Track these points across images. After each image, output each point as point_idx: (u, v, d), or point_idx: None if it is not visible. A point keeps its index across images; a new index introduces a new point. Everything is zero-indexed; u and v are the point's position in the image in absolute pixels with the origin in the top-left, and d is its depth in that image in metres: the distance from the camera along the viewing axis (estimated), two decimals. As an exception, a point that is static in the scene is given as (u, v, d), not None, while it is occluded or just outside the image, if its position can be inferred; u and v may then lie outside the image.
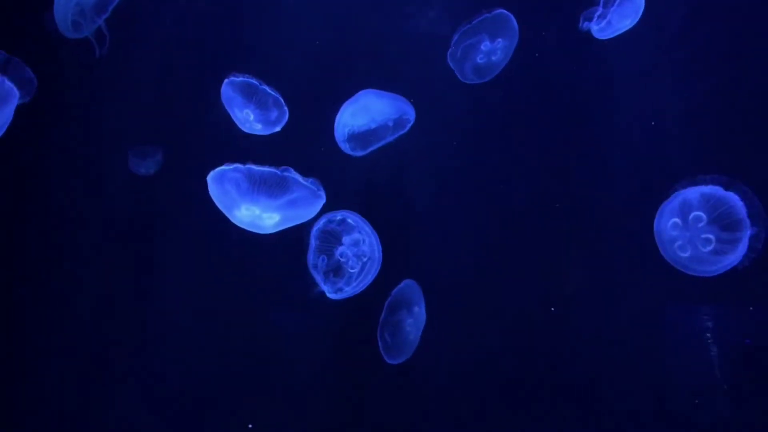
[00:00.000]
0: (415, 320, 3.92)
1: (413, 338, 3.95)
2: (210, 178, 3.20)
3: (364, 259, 3.63)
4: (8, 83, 2.82)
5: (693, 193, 3.33)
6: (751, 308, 3.80)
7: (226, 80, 3.64)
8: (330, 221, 3.64)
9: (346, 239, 3.63)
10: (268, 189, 3.16)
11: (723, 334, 3.82)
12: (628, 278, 3.89)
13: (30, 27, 3.63)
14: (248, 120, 3.72)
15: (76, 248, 4.04)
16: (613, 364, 3.90)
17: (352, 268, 3.66)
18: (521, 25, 3.87)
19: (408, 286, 3.88)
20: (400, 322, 3.89)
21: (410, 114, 3.86)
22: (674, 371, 3.84)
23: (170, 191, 4.00)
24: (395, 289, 3.83)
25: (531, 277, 4.02)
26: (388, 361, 3.88)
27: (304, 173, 3.83)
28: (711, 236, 3.29)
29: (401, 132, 3.87)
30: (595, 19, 3.92)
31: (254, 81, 3.63)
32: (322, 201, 3.32)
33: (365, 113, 3.83)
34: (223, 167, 3.14)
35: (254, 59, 3.93)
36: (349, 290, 3.70)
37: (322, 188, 3.24)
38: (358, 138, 3.86)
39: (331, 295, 3.64)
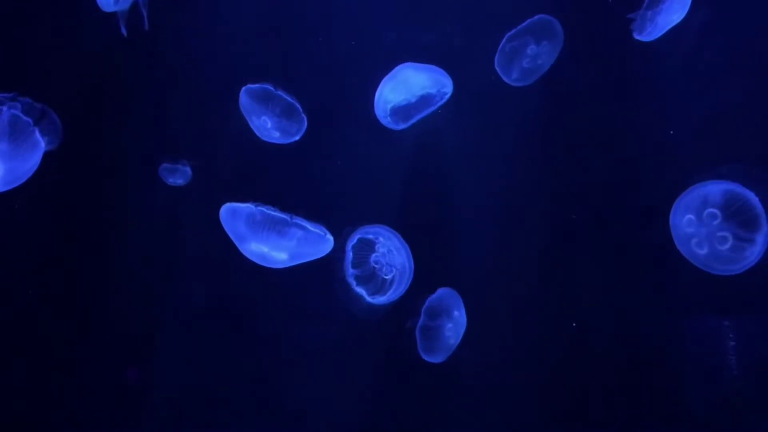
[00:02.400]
0: (455, 325, 3.92)
1: (453, 343, 3.94)
2: (223, 210, 3.36)
3: (396, 269, 3.69)
4: (38, 135, 2.93)
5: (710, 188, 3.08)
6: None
7: (243, 88, 3.76)
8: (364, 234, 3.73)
9: (379, 248, 3.72)
10: (277, 231, 3.29)
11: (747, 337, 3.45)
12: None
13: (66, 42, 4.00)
14: (266, 127, 3.81)
15: (102, 259, 4.19)
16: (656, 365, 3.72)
17: (386, 275, 3.73)
18: (565, 27, 3.81)
19: (447, 294, 3.89)
20: (439, 327, 3.91)
21: (448, 86, 3.85)
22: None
23: (192, 203, 4.11)
24: (433, 296, 3.83)
25: (574, 280, 3.88)
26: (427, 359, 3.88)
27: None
28: (728, 234, 3.01)
29: (441, 103, 3.87)
30: (640, 22, 3.76)
31: (270, 87, 3.71)
32: (331, 244, 3.45)
33: (404, 87, 3.83)
34: (235, 204, 3.32)
35: (272, 66, 4.03)
36: (384, 298, 3.76)
37: (329, 233, 3.38)
38: (398, 112, 3.88)
39: (369, 299, 3.73)
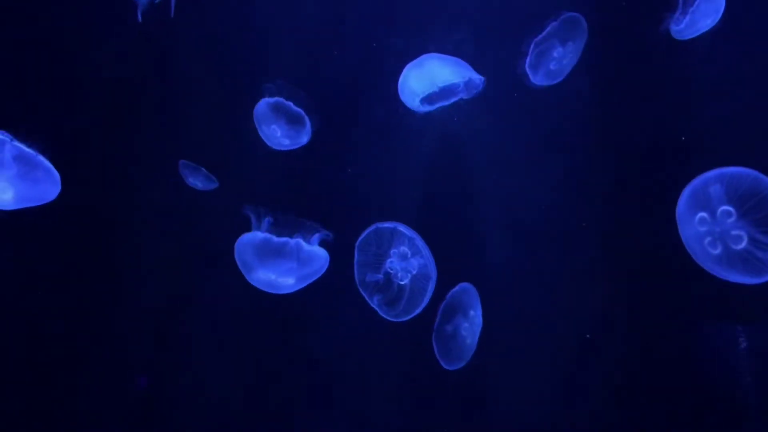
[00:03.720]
0: (471, 325, 3.90)
1: (470, 343, 3.92)
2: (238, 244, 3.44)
3: (414, 273, 3.68)
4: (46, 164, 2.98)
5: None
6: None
7: (261, 100, 3.79)
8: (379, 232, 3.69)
9: (393, 252, 3.69)
10: (283, 257, 3.37)
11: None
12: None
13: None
14: (275, 136, 3.85)
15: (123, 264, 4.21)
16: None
17: (401, 281, 3.70)
18: (590, 25, 3.80)
19: (464, 290, 3.87)
20: (456, 328, 3.89)
21: (474, 77, 3.80)
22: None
23: (206, 210, 4.12)
24: (450, 293, 3.84)
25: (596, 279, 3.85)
26: (446, 368, 3.87)
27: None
28: (742, 233, 2.94)
29: (463, 95, 3.85)
30: (675, 20, 3.72)
31: (281, 99, 3.75)
32: (327, 260, 3.53)
33: (428, 77, 3.78)
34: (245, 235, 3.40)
35: (282, 75, 3.97)
36: (402, 307, 3.74)
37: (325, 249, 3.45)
38: (423, 100, 3.86)
39: (384, 314, 3.73)
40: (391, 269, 3.67)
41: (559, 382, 3.88)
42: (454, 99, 3.90)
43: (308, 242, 3.38)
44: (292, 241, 3.32)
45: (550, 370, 3.90)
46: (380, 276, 3.66)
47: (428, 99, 3.84)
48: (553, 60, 3.96)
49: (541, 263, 3.95)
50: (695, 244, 3.12)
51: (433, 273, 3.62)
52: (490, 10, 4.05)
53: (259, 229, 3.38)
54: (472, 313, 3.89)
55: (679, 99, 3.82)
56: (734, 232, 2.96)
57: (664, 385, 3.69)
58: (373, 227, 3.64)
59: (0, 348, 4.00)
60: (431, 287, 3.65)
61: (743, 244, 2.94)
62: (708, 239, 3.05)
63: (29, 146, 2.90)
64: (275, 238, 3.32)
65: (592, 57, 3.82)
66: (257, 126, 3.90)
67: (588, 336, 3.82)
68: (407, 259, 3.63)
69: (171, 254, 4.11)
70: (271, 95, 3.77)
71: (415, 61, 3.84)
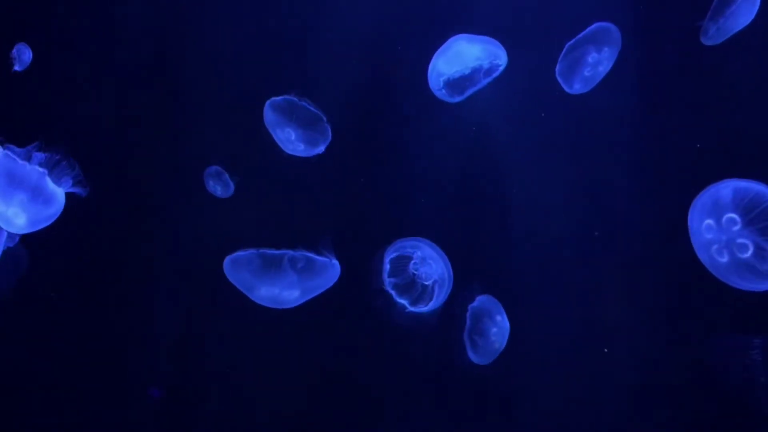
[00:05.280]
0: (499, 329, 3.94)
1: (498, 347, 3.95)
2: (225, 265, 3.41)
3: (434, 278, 3.73)
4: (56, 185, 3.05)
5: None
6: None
7: (267, 102, 3.75)
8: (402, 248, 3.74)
9: (416, 256, 3.75)
10: (284, 270, 3.34)
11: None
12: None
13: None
14: (290, 140, 3.77)
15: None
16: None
17: (426, 281, 3.75)
18: (623, 32, 3.76)
19: (487, 298, 3.92)
20: (485, 331, 3.93)
21: (502, 57, 3.76)
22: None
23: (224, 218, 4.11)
24: (475, 300, 3.87)
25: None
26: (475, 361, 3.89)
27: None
28: (747, 241, 2.87)
29: (496, 75, 3.79)
30: (707, 25, 3.66)
31: (293, 98, 3.69)
32: (338, 271, 3.45)
33: (458, 60, 3.76)
34: (235, 254, 3.37)
35: (296, 79, 3.99)
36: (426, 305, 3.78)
37: (335, 258, 3.38)
38: (453, 85, 3.83)
39: (411, 309, 3.75)
40: (414, 272, 3.72)
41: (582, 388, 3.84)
42: (486, 81, 3.82)
43: (300, 252, 3.31)
44: (288, 253, 3.27)
45: (573, 375, 3.86)
46: (402, 280, 3.71)
47: (458, 85, 3.79)
48: (587, 66, 3.94)
49: (565, 270, 3.92)
50: (703, 252, 3.05)
51: (450, 279, 3.68)
52: (521, 16, 4.04)
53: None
54: (498, 318, 3.92)
55: (715, 104, 3.70)
56: (739, 240, 2.87)
57: (682, 393, 3.58)
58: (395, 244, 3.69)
59: (11, 359, 4.07)
60: (448, 289, 3.71)
61: (749, 253, 2.86)
62: (715, 247, 2.98)
63: (42, 163, 2.98)
64: (270, 252, 3.27)
65: (625, 64, 3.77)
66: (271, 131, 3.85)
67: (605, 350, 3.77)
68: (428, 263, 3.70)
69: (187, 262, 4.12)
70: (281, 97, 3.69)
71: (442, 47, 3.78)
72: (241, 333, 4.08)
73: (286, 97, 3.71)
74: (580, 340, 3.83)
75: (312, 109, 3.73)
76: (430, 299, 3.77)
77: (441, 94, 3.88)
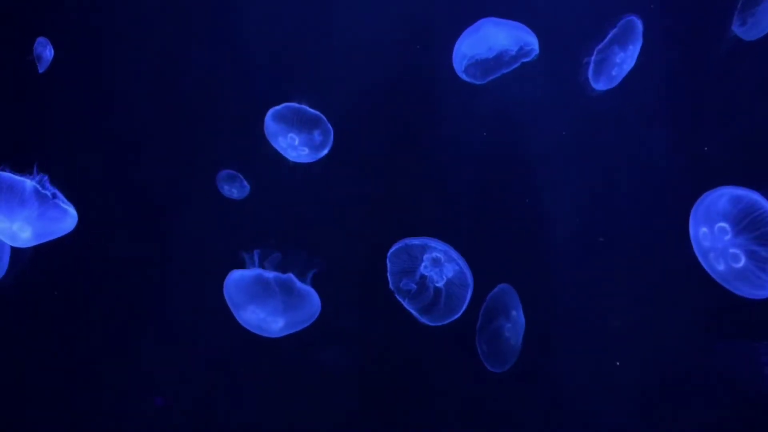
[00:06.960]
0: (513, 325, 3.95)
1: (514, 344, 3.97)
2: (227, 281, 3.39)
3: (449, 276, 3.70)
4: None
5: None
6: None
7: (268, 112, 3.75)
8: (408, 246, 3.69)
9: (426, 257, 3.71)
10: (275, 295, 3.31)
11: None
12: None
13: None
14: (293, 145, 3.77)
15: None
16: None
17: (437, 283, 3.71)
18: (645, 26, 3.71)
19: (503, 291, 3.93)
20: (498, 329, 3.95)
21: (532, 43, 3.66)
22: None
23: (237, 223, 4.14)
24: (490, 295, 3.86)
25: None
26: (491, 370, 3.91)
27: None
28: (738, 251, 2.85)
29: (524, 60, 3.70)
30: (740, 20, 3.60)
31: (293, 104, 3.68)
32: (317, 306, 3.42)
33: (483, 43, 3.68)
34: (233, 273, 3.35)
35: (298, 85, 3.98)
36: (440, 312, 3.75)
37: (314, 291, 3.33)
38: (477, 66, 3.77)
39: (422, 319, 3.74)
40: (426, 274, 3.71)
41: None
42: (511, 67, 3.74)
43: (302, 280, 3.26)
44: (283, 277, 3.22)
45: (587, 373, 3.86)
46: (414, 283, 3.70)
47: (481, 68, 3.71)
48: (615, 66, 3.92)
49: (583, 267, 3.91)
50: (703, 259, 3.03)
51: (470, 279, 3.61)
52: (546, 19, 4.02)
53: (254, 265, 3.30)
54: (513, 313, 3.93)
55: (742, 101, 3.61)
56: (732, 250, 2.84)
57: (687, 399, 3.55)
58: (401, 243, 3.65)
59: (18, 366, 4.15)
60: (469, 294, 3.64)
61: (741, 263, 2.82)
62: (711, 255, 2.95)
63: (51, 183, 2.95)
64: (265, 274, 3.23)
65: (649, 59, 3.72)
66: (272, 142, 3.86)
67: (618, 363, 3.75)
68: (441, 264, 3.69)
69: (198, 266, 4.14)
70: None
71: (470, 28, 3.70)
72: (251, 340, 4.00)
73: (285, 105, 3.73)
74: (592, 343, 3.83)
75: (311, 111, 3.75)
76: (444, 300, 3.78)
77: (464, 76, 3.81)
